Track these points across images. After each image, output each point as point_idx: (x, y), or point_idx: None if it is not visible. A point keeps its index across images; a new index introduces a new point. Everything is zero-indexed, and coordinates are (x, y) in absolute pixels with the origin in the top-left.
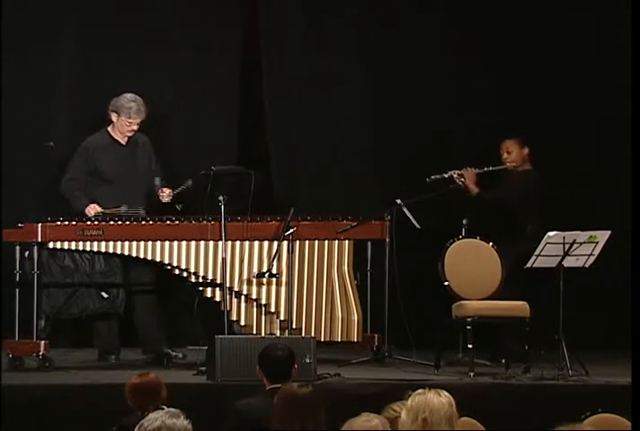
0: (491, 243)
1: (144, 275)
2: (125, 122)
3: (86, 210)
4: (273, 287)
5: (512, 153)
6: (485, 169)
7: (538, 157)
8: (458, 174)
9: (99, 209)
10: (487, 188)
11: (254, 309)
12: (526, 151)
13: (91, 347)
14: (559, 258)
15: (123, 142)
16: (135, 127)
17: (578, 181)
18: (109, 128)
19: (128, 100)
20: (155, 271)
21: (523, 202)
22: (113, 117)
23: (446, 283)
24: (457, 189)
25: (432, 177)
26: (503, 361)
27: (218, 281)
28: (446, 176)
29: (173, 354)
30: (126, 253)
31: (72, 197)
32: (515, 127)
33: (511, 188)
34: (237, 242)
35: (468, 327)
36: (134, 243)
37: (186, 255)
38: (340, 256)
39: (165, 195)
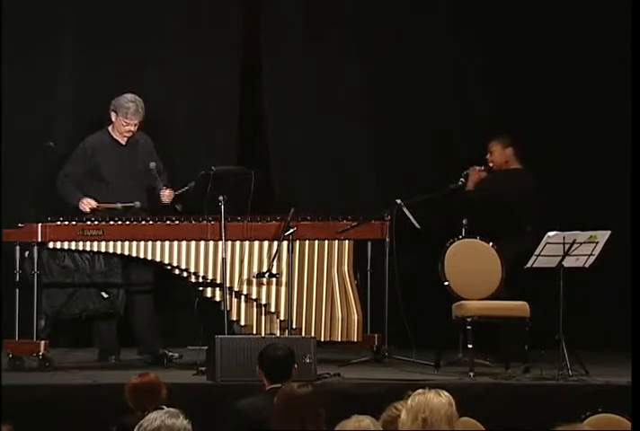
0: (491, 243)
1: (143, 275)
2: (122, 122)
3: (80, 205)
4: (273, 287)
5: (494, 154)
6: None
7: (539, 157)
8: (466, 173)
9: (93, 204)
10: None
11: (254, 309)
12: (510, 151)
13: (91, 347)
14: (559, 258)
15: (123, 142)
16: (132, 128)
17: (578, 181)
18: (109, 128)
19: (128, 100)
20: (153, 271)
21: (516, 201)
22: (112, 116)
23: (446, 283)
24: (457, 188)
25: (451, 186)
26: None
27: (218, 281)
28: (463, 180)
29: (169, 354)
30: (126, 253)
31: (65, 191)
32: (515, 126)
33: (496, 186)
34: (237, 242)
35: (468, 327)
36: (134, 243)
37: (186, 255)
38: (340, 256)
39: (166, 195)
